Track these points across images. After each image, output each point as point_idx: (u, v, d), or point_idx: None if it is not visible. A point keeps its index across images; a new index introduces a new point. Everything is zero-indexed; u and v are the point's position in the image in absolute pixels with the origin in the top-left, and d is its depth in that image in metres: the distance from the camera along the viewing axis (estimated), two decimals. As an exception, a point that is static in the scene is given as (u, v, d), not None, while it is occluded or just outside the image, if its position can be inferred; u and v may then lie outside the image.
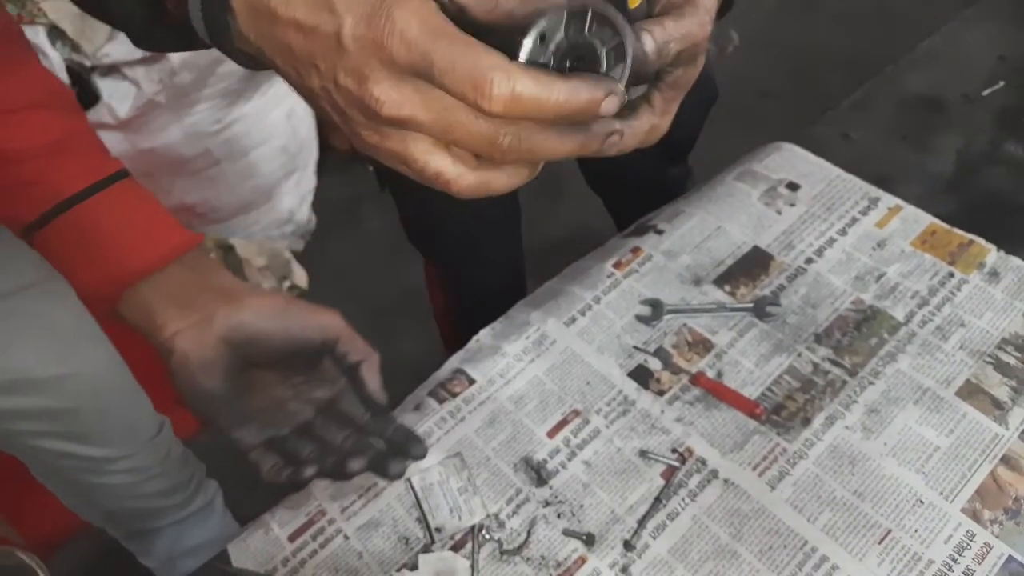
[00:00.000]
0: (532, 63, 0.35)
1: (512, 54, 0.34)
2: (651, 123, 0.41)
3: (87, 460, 0.82)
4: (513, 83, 0.31)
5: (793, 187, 0.82)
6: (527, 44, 0.35)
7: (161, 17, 0.39)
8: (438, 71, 0.31)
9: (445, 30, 0.32)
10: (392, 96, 0.32)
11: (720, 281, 0.76)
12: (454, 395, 0.70)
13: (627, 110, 0.40)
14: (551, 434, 0.67)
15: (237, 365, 0.49)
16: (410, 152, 0.34)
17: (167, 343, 0.49)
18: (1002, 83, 0.91)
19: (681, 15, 0.41)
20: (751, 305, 0.73)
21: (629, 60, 0.37)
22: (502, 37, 0.35)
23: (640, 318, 0.74)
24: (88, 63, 1.34)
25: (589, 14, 0.36)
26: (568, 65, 0.36)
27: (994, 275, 0.73)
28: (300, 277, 1.62)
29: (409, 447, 0.53)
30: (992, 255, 0.74)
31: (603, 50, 0.36)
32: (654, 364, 0.71)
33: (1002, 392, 0.65)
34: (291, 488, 0.51)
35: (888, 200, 0.80)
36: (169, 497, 0.90)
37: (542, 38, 0.36)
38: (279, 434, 0.52)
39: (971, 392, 0.65)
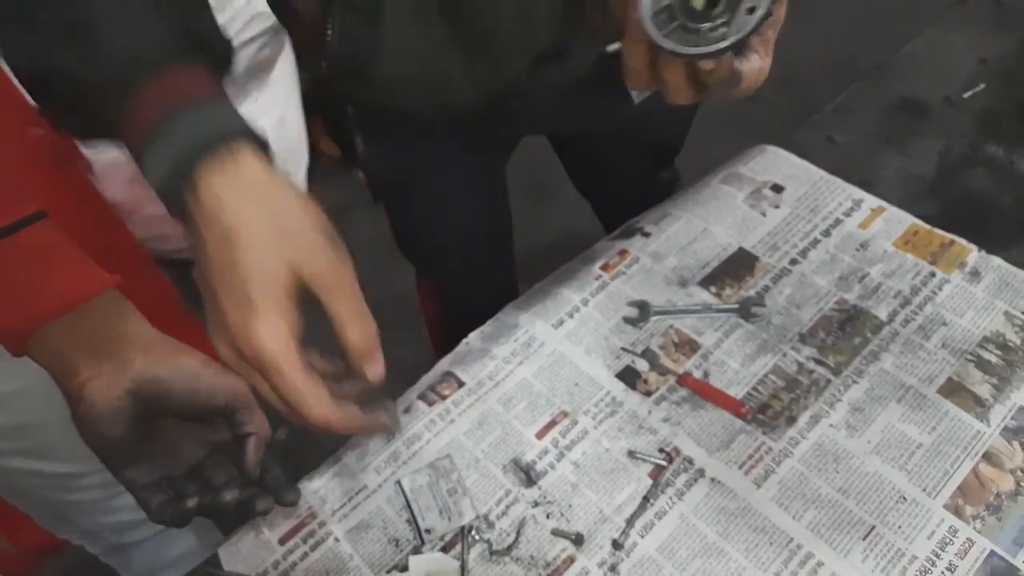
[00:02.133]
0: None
1: None
2: (759, 64, 0.48)
3: (55, 477, 0.81)
4: (322, 412, 0.44)
5: (777, 189, 0.83)
6: None
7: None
8: (273, 385, 0.43)
9: (290, 357, 0.43)
10: (226, 351, 0.44)
11: (706, 282, 0.77)
12: (443, 397, 0.71)
13: (740, 57, 0.47)
14: (540, 435, 0.68)
15: (141, 414, 0.50)
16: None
17: (76, 389, 0.48)
18: (983, 86, 0.92)
19: None
20: (736, 306, 0.74)
21: None
22: None
23: (627, 320, 0.75)
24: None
25: None
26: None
27: (975, 274, 0.74)
28: (291, 283, 1.62)
29: (282, 494, 0.55)
30: (973, 255, 0.75)
31: None
32: (641, 365, 0.72)
33: (984, 390, 0.66)
34: (175, 524, 0.51)
35: (871, 201, 0.81)
36: None
37: None
38: (171, 474, 0.53)
39: (953, 390, 0.66)
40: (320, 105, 0.91)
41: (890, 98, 0.93)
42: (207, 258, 0.43)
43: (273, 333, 0.42)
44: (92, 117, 0.46)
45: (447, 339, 0.81)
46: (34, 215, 0.51)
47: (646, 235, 0.82)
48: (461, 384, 0.72)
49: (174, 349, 0.51)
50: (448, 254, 1.00)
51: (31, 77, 0.46)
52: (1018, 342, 0.69)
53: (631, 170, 1.04)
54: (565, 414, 0.69)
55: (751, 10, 0.45)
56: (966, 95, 0.92)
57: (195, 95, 0.44)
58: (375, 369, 0.46)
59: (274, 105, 1.55)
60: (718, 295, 0.76)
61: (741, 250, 0.79)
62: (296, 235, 0.43)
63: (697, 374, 0.70)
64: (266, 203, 0.43)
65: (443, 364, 0.74)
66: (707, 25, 0.46)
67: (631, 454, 0.66)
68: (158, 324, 0.55)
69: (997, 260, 0.74)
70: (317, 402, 0.44)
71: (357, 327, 0.45)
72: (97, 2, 0.43)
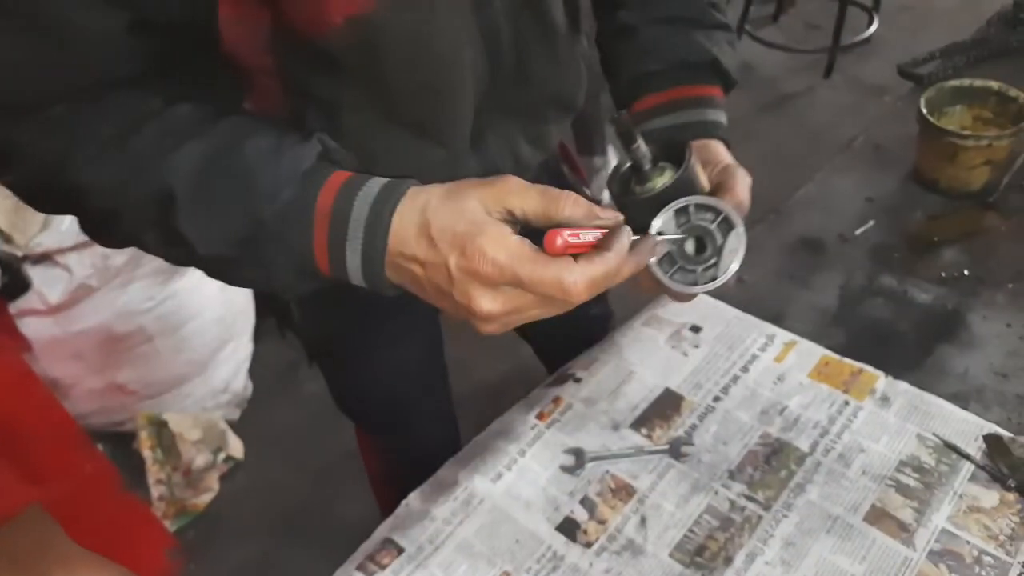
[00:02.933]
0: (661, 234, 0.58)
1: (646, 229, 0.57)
2: None
3: None
4: (587, 274, 0.49)
5: (696, 329, 0.88)
6: (656, 224, 0.58)
7: (311, 278, 0.54)
8: (527, 284, 0.48)
9: (522, 251, 0.48)
10: (492, 306, 0.49)
11: (637, 424, 0.79)
12: (383, 567, 0.70)
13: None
14: (482, 598, 0.67)
15: None
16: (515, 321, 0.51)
17: None
18: (872, 222, 1.01)
19: (735, 184, 0.63)
20: (667, 447, 0.76)
21: (742, 228, 0.58)
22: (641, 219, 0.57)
23: (564, 468, 0.76)
24: (20, 253, 1.36)
25: (693, 206, 0.59)
26: (693, 243, 0.60)
27: (885, 400, 0.78)
28: (235, 448, 1.59)
29: None
30: (881, 381, 0.80)
31: (713, 226, 0.59)
32: (580, 515, 0.72)
33: (906, 514, 0.68)
34: None
35: (783, 336, 0.86)
36: None
37: (676, 213, 0.59)
38: None
39: (878, 517, 0.68)
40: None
41: (790, 238, 1.01)
42: (424, 262, 0.49)
43: (497, 239, 0.48)
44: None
45: (391, 494, 0.81)
46: None
47: (577, 381, 0.85)
48: (401, 551, 0.71)
49: (93, 565, 0.50)
50: (386, 408, 1.01)
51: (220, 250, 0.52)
52: (932, 463, 0.72)
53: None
54: (507, 574, 0.68)
55: (733, 251, 0.58)
56: (858, 232, 1.00)
57: (352, 178, 0.52)
58: (608, 214, 0.52)
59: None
60: (649, 436, 0.78)
61: (667, 391, 0.82)
62: (473, 186, 0.50)
63: (635, 520, 0.71)
64: (443, 192, 0.51)
65: (382, 530, 0.74)
66: (701, 267, 0.59)
67: (575, 610, 0.65)
68: (95, 503, 0.54)
69: (903, 384, 0.79)
70: (570, 272, 0.48)
71: (570, 203, 0.50)
72: (254, 156, 0.51)
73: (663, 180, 0.59)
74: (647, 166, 0.59)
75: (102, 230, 0.55)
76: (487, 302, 0.49)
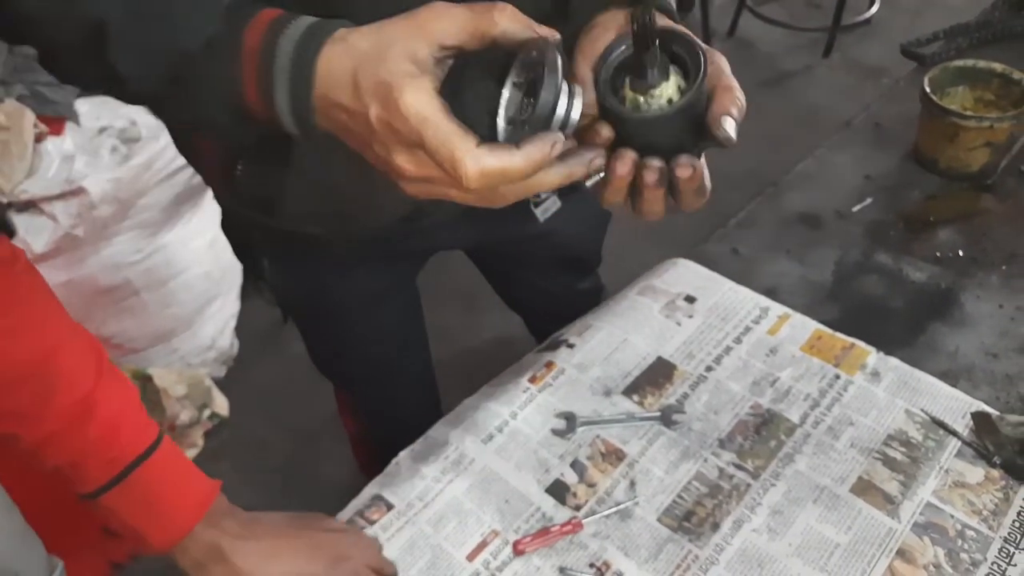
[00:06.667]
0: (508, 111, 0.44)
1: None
2: (737, 112, 0.49)
3: None
4: (480, 163, 0.43)
5: (690, 300, 0.88)
6: (505, 93, 0.45)
7: (246, 121, 0.49)
8: (429, 150, 0.43)
9: (432, 116, 0.43)
10: (408, 165, 0.45)
11: (628, 391, 0.80)
12: (372, 523, 0.70)
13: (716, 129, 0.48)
14: (471, 557, 0.67)
15: None
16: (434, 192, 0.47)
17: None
18: (869, 200, 1.01)
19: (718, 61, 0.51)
20: (658, 414, 0.77)
21: (562, 86, 0.44)
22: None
23: (555, 431, 0.77)
24: (4, 200, 1.33)
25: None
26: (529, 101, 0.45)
27: (875, 375, 0.79)
28: (221, 405, 1.59)
29: None
30: (872, 356, 0.80)
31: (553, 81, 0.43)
32: (570, 478, 0.73)
33: (892, 487, 0.69)
34: None
35: (777, 309, 0.86)
36: None
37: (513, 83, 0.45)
38: None
39: (864, 488, 0.69)
40: (227, 227, 0.93)
41: (787, 212, 1.01)
42: (348, 109, 0.45)
43: (413, 92, 0.43)
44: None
45: (372, 456, 0.80)
46: (160, 435, 0.58)
47: (571, 347, 0.85)
48: (391, 507, 0.71)
49: None
50: (362, 370, 1.00)
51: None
52: (919, 438, 0.73)
53: (550, 283, 1.08)
54: (496, 533, 0.69)
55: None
56: (855, 208, 1.00)
57: (280, 16, 0.47)
58: (544, 31, 0.45)
59: (207, 227, 1.56)
60: (640, 403, 0.78)
61: (660, 359, 0.82)
62: (399, 25, 0.45)
63: (624, 484, 0.71)
64: (371, 34, 0.45)
65: (372, 487, 0.74)
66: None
67: (563, 571, 0.65)
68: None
69: (894, 361, 0.80)
70: (468, 152, 0.42)
71: (506, 16, 0.44)
72: None
73: (669, 90, 0.47)
74: (654, 71, 0.47)
75: (58, 68, 0.53)
76: (403, 159, 0.45)
